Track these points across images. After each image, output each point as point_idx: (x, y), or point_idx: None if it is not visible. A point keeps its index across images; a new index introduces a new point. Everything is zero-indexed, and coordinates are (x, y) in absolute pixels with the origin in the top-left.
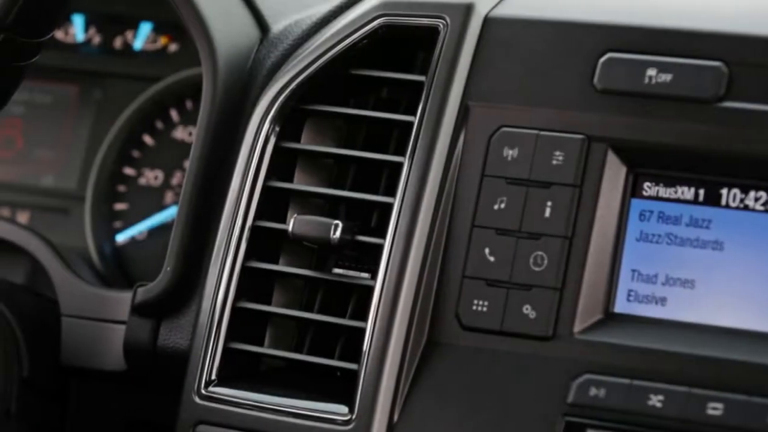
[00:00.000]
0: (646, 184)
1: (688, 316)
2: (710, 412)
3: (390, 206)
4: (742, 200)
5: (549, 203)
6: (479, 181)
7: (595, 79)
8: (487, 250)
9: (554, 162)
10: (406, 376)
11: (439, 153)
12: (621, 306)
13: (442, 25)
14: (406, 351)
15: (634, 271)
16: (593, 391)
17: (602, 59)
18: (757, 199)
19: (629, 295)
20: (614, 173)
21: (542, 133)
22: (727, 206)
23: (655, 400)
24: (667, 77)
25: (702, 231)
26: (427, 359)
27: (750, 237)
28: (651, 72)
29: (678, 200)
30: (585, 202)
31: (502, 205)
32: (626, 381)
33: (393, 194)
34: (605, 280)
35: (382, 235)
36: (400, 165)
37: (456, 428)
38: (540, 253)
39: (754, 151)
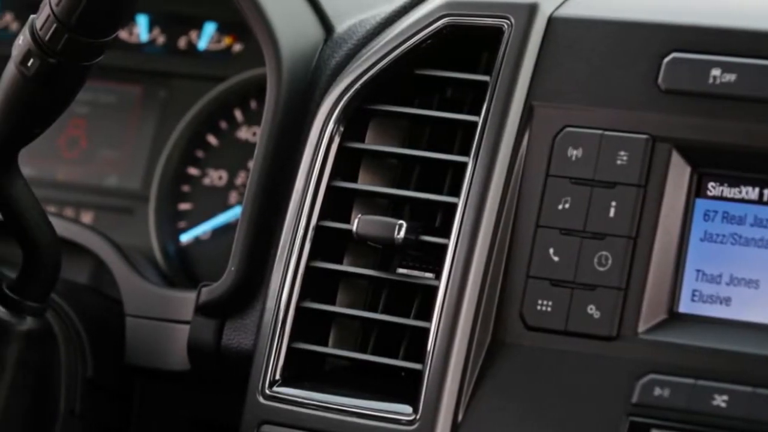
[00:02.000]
0: (711, 184)
1: (752, 315)
2: None
3: (454, 206)
4: None
5: (613, 203)
6: (543, 181)
7: (660, 79)
8: (551, 250)
9: (618, 162)
10: (470, 376)
11: (504, 153)
12: (685, 306)
13: (506, 25)
14: (470, 351)
15: (698, 271)
16: (657, 391)
17: (667, 59)
18: None
19: (693, 295)
20: (678, 173)
21: (606, 133)
22: None
23: (720, 400)
24: (731, 77)
25: (766, 231)
26: (491, 359)
27: None
28: (715, 72)
29: (742, 200)
30: (649, 202)
31: (567, 205)
32: (690, 381)
33: (457, 194)
34: (669, 280)
35: (447, 235)
36: (464, 165)
37: (520, 428)
38: (604, 253)
39: None
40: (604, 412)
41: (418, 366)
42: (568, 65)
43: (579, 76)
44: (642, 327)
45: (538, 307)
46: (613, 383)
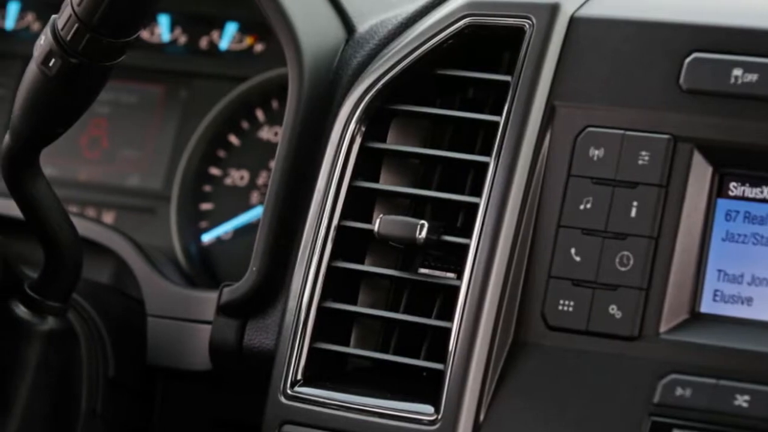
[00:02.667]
0: (732, 184)
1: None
2: None
3: (476, 206)
4: None
5: (635, 203)
6: (565, 181)
7: (681, 79)
8: (573, 250)
9: (640, 162)
10: (492, 376)
11: (525, 153)
12: (707, 306)
13: (528, 25)
14: (492, 351)
15: (720, 271)
16: (679, 391)
17: (688, 59)
18: None
19: (715, 295)
20: (700, 173)
21: (628, 132)
22: None
23: (742, 401)
24: (753, 77)
25: None
26: (512, 359)
27: None
28: (737, 72)
29: (764, 200)
30: (671, 202)
31: (588, 205)
32: (712, 381)
33: (479, 194)
34: (691, 280)
35: (468, 235)
36: (486, 165)
37: (541, 428)
38: (626, 253)
39: None
40: (626, 412)
41: (439, 366)
42: (589, 65)
43: (600, 76)
44: (664, 327)
45: (560, 307)
46: (634, 383)
